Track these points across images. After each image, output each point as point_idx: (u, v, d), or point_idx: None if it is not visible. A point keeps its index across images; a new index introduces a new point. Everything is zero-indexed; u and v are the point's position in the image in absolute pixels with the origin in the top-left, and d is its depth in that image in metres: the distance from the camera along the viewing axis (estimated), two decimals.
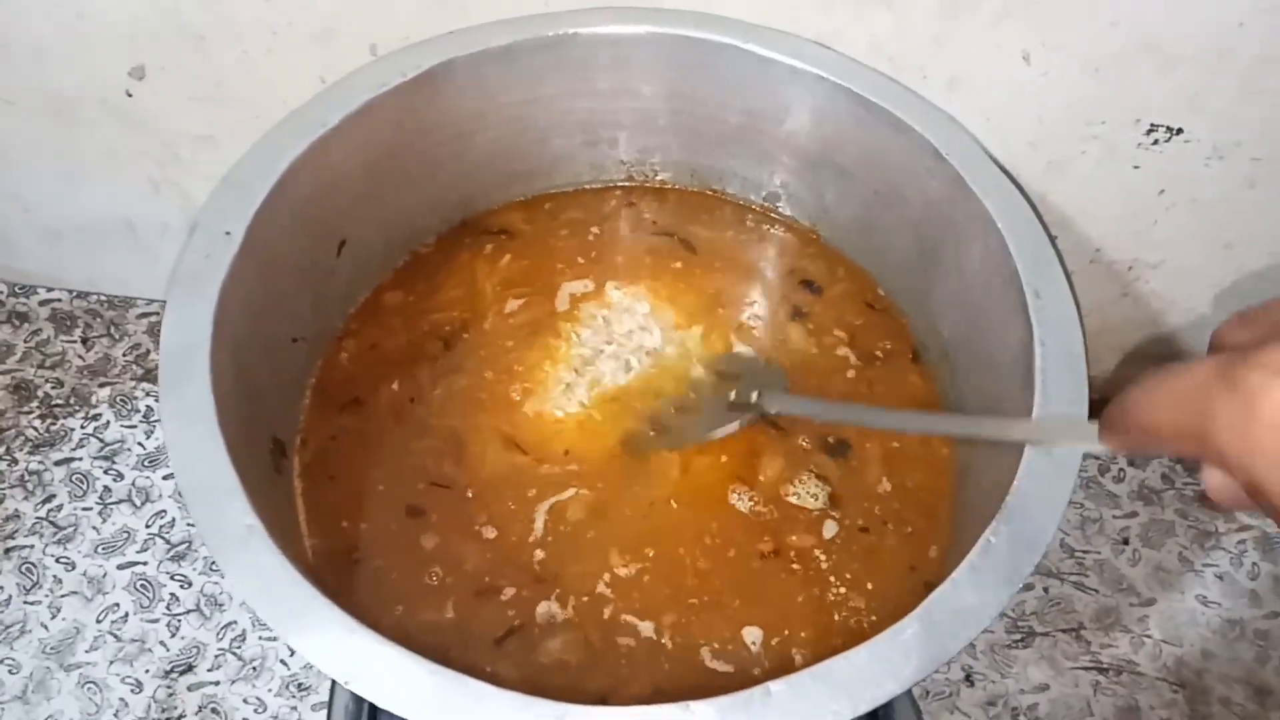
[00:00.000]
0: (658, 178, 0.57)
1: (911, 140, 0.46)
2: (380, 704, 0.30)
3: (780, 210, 0.56)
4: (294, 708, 0.54)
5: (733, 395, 0.46)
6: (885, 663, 0.32)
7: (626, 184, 0.57)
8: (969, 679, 0.56)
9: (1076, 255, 0.56)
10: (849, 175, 0.51)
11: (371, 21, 0.49)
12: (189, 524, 0.59)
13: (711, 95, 0.51)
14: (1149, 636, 0.57)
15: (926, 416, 0.48)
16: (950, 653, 0.32)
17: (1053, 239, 0.44)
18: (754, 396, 0.45)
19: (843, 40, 0.48)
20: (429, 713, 0.31)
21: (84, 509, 0.59)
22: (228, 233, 0.40)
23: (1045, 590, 0.59)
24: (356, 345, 0.50)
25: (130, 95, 0.53)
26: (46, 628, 0.55)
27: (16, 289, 0.68)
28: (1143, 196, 0.52)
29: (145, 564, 0.58)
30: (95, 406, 0.63)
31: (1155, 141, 0.49)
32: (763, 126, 0.52)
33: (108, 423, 0.63)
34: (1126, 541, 0.61)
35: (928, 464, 0.47)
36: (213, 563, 0.57)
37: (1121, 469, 0.64)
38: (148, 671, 0.54)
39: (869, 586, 0.43)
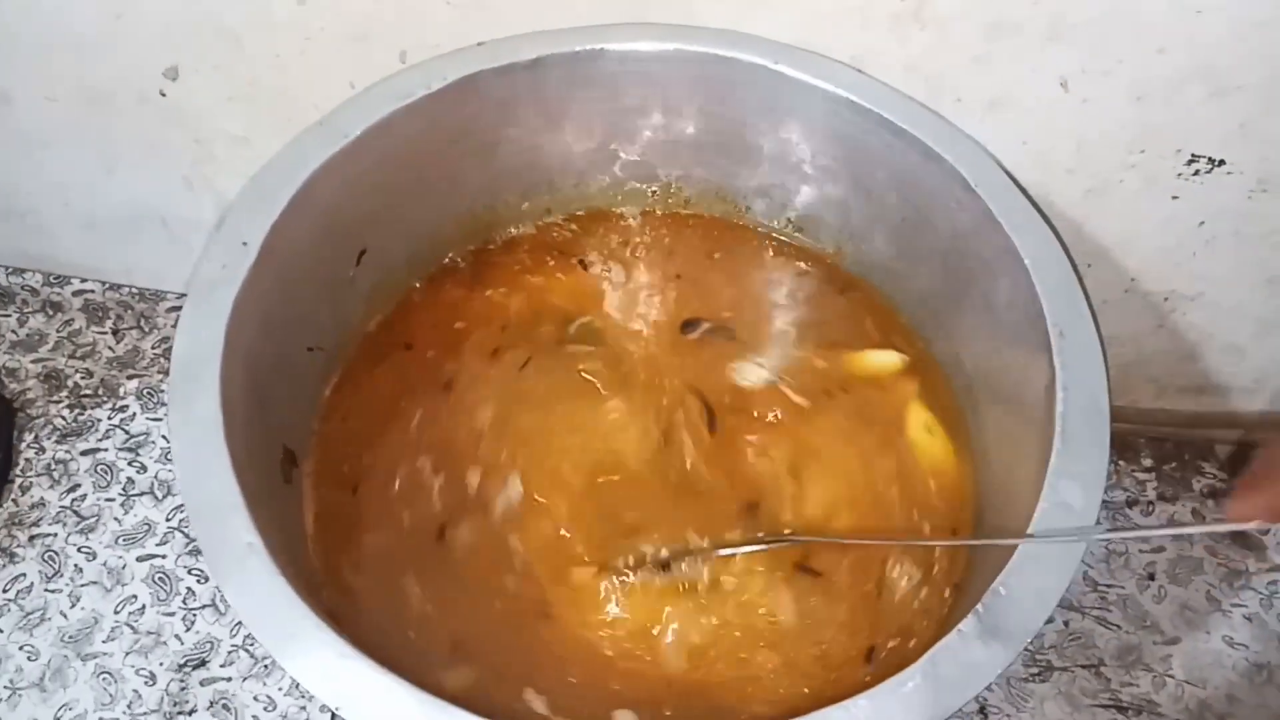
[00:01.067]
0: (683, 196, 0.56)
1: (942, 169, 0.45)
2: None
3: (805, 234, 0.55)
4: (303, 707, 0.54)
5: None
6: (884, 716, 0.31)
7: (651, 202, 0.56)
8: (983, 712, 0.55)
9: (1111, 285, 0.55)
10: (878, 202, 0.50)
11: (403, 28, 0.49)
12: None
13: (740, 115, 0.50)
14: (1171, 676, 0.56)
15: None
16: (952, 708, 0.31)
17: (1081, 279, 0.42)
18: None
19: (878, 60, 0.48)
20: None
21: (107, 499, 0.60)
22: (245, 243, 0.40)
23: (1065, 624, 0.57)
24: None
25: (164, 95, 0.54)
26: (66, 616, 0.56)
27: (52, 279, 0.69)
28: (1182, 227, 0.51)
29: (164, 557, 0.58)
30: (123, 398, 0.64)
31: (1196, 172, 0.48)
32: (791, 149, 0.51)
33: (134, 415, 0.64)
34: (1153, 577, 0.59)
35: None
36: None
37: (1150, 502, 0.62)
38: (162, 664, 0.55)
39: None
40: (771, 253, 0.55)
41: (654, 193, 0.56)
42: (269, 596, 0.33)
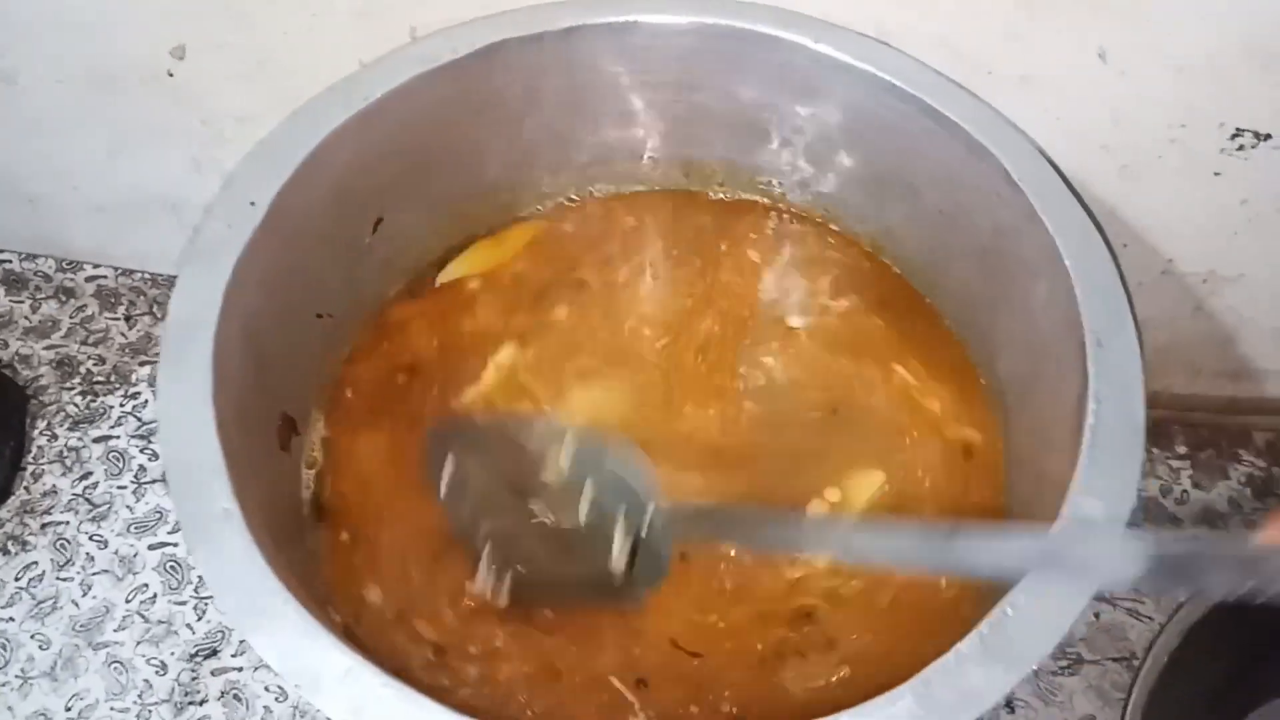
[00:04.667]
0: (715, 179, 0.54)
1: (985, 162, 0.43)
2: (325, 710, 0.30)
3: (839, 224, 0.53)
4: None
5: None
6: None
7: (683, 181, 0.54)
8: (1010, 705, 0.53)
9: (1147, 266, 0.53)
10: (916, 192, 0.48)
11: (412, 4, 0.48)
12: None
13: (776, 96, 0.48)
14: None
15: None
16: None
17: (1126, 284, 0.40)
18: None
19: (905, 31, 0.46)
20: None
21: (119, 487, 0.60)
22: (252, 203, 0.39)
23: (1096, 616, 0.56)
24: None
25: (171, 75, 0.53)
26: (77, 605, 0.56)
27: (64, 264, 0.69)
28: (1223, 206, 0.49)
29: (175, 545, 0.58)
30: (135, 385, 0.64)
31: (1240, 147, 0.46)
32: (827, 134, 0.49)
33: (146, 401, 0.63)
34: None
35: None
36: None
37: (1185, 491, 0.60)
38: (173, 654, 0.54)
39: None
40: (804, 242, 0.54)
41: (682, 173, 0.55)
42: (239, 566, 0.32)
